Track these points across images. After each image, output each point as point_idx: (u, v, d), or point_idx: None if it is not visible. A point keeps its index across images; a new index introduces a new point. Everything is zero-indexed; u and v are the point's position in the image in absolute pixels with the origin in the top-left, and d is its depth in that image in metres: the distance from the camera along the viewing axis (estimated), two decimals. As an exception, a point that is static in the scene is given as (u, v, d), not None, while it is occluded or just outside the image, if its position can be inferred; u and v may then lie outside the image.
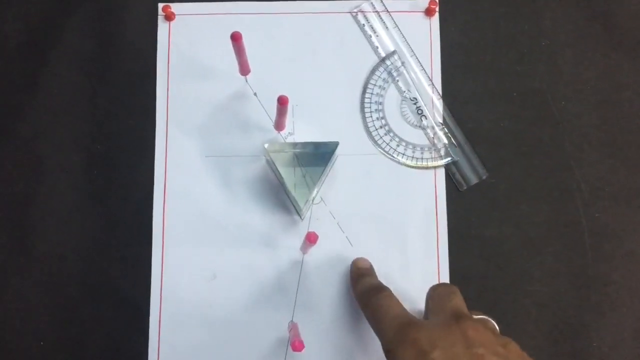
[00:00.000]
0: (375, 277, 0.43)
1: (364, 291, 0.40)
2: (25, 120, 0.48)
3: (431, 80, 0.49)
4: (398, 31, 0.49)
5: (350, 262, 0.46)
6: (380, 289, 0.39)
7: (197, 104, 0.48)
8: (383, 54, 0.49)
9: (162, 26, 0.49)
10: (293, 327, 0.43)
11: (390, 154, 0.48)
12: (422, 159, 0.48)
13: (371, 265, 0.44)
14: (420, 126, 0.48)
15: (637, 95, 0.49)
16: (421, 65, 0.49)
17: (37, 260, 0.46)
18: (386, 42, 0.49)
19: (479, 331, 0.33)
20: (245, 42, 0.40)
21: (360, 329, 0.45)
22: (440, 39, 0.49)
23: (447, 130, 0.48)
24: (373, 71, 0.49)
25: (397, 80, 0.49)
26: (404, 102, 0.49)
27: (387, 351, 0.34)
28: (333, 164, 0.47)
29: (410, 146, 0.48)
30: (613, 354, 0.45)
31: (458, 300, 0.36)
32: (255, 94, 0.48)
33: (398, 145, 0.48)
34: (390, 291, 0.39)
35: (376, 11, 0.50)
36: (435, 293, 0.37)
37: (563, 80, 0.49)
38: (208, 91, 0.48)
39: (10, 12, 0.50)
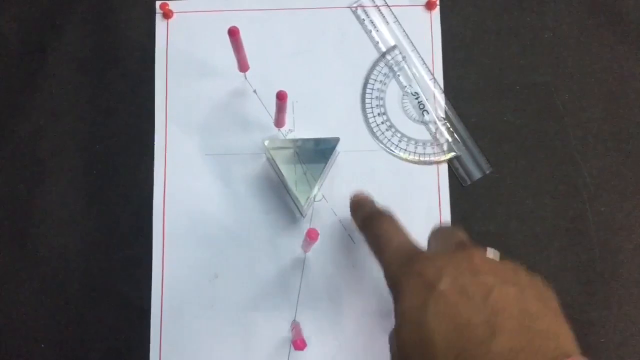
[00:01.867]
0: (376, 204, 0.41)
1: (365, 217, 0.39)
2: (24, 121, 0.48)
3: (433, 74, 0.48)
4: (398, 25, 0.49)
5: (353, 261, 0.45)
6: (382, 213, 0.38)
7: (196, 101, 0.48)
8: (383, 49, 0.49)
9: (160, 24, 0.49)
10: (295, 327, 0.43)
11: (392, 150, 0.47)
12: (424, 154, 0.47)
13: (368, 196, 0.42)
14: (422, 121, 0.48)
15: (642, 86, 0.48)
16: (422, 60, 0.48)
17: (37, 262, 0.46)
18: (386, 36, 0.49)
19: (486, 259, 0.31)
20: (244, 38, 0.40)
21: (363, 328, 0.45)
22: (441, 32, 0.49)
23: (449, 125, 0.48)
24: (374, 66, 0.48)
25: (398, 75, 0.48)
26: (405, 97, 0.48)
27: (390, 284, 0.33)
28: (334, 161, 0.46)
29: (412, 141, 0.47)
30: (622, 349, 0.45)
31: (462, 235, 0.34)
32: (254, 91, 0.48)
33: (400, 141, 0.47)
34: (393, 216, 0.38)
35: (376, 5, 0.49)
36: (439, 231, 0.36)
37: (567, 72, 0.48)
38: (207, 89, 0.48)
39: (9, 13, 0.49)
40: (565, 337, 0.27)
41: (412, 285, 0.30)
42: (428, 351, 0.27)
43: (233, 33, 0.37)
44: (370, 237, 0.37)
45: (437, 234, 0.36)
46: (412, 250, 0.33)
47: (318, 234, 0.37)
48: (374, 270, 0.45)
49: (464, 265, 0.30)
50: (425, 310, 0.28)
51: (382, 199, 0.46)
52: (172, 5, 0.49)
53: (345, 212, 0.46)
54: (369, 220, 0.38)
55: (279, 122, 0.46)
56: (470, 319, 0.27)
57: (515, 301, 0.28)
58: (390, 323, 0.44)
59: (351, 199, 0.43)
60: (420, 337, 0.28)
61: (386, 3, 0.49)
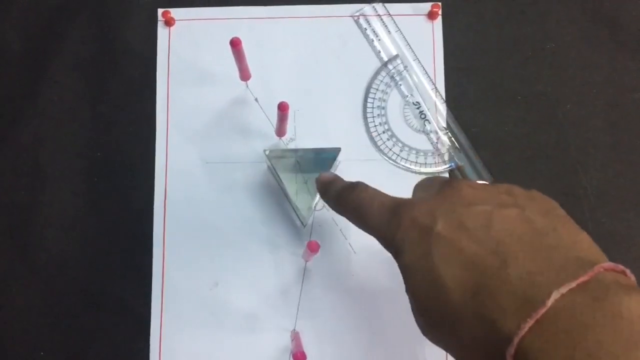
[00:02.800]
0: (343, 180, 0.38)
1: (337, 195, 0.36)
2: (25, 128, 0.48)
3: (434, 84, 0.48)
4: (400, 35, 0.49)
5: (354, 271, 0.45)
6: (354, 185, 0.35)
7: (198, 110, 0.48)
8: (385, 58, 0.49)
9: (162, 32, 0.49)
10: (295, 337, 0.43)
11: (393, 160, 0.47)
12: (425, 164, 0.47)
13: (336, 176, 0.40)
14: (423, 131, 0.48)
15: (644, 98, 0.48)
16: (424, 69, 0.48)
17: (37, 269, 0.46)
18: (388, 46, 0.49)
19: (475, 187, 0.28)
20: (246, 47, 0.40)
21: (363, 337, 0.45)
22: (443, 42, 0.49)
23: (450, 135, 0.48)
24: (375, 75, 0.48)
25: (400, 85, 0.48)
26: (406, 106, 0.48)
27: (386, 244, 0.30)
28: (335, 170, 0.46)
29: (414, 151, 0.47)
30: None
31: (445, 177, 0.32)
32: (256, 100, 0.48)
33: (401, 151, 0.47)
34: (365, 183, 0.35)
35: (378, 15, 0.49)
36: (420, 181, 0.34)
37: (568, 83, 0.48)
38: (208, 97, 0.48)
39: (11, 20, 0.49)
40: (582, 244, 0.25)
41: (408, 236, 0.28)
42: (443, 297, 0.25)
43: (235, 44, 0.37)
44: (349, 212, 0.35)
45: (419, 183, 0.34)
46: (396, 203, 0.31)
47: (319, 247, 0.37)
48: (374, 280, 0.45)
49: (454, 200, 0.28)
50: (429, 256, 0.26)
51: (383, 208, 0.46)
52: (173, 13, 0.49)
53: (346, 221, 0.46)
54: (342, 195, 0.36)
55: (280, 131, 0.46)
56: (477, 252, 0.25)
57: (519, 222, 0.26)
58: (392, 333, 0.45)
59: (317, 183, 0.40)
60: (431, 285, 0.26)
61: (388, 12, 0.49)
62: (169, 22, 0.48)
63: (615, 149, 0.48)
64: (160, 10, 0.49)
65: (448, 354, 0.27)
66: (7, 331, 0.45)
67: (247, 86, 0.48)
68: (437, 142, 0.47)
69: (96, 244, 0.46)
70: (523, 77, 0.49)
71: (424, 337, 0.28)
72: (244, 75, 0.45)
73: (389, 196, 0.33)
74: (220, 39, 0.48)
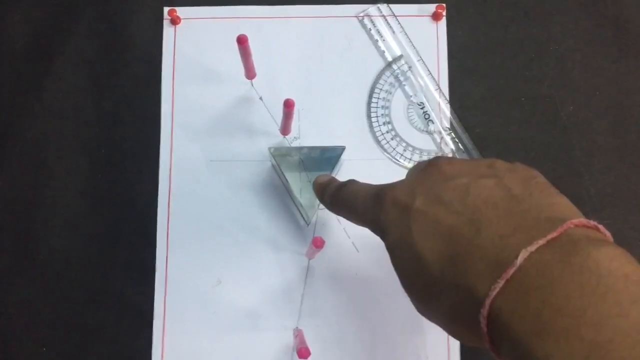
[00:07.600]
0: (338, 180, 0.39)
1: (332, 196, 0.37)
2: (30, 124, 0.48)
3: (438, 84, 0.48)
4: (405, 35, 0.49)
5: (357, 269, 0.45)
6: (345, 183, 0.36)
7: (203, 108, 0.48)
8: (390, 59, 0.49)
9: (168, 30, 0.49)
10: (298, 334, 0.43)
11: (396, 159, 0.47)
12: (429, 164, 0.47)
13: (332, 177, 0.41)
14: (427, 131, 0.48)
15: (647, 100, 0.49)
16: (428, 70, 0.48)
17: (41, 265, 0.46)
18: (393, 46, 0.49)
19: (456, 163, 0.29)
20: (251, 46, 0.40)
21: (366, 336, 0.45)
22: (447, 43, 0.49)
23: (454, 135, 0.48)
24: (379, 75, 0.49)
25: (404, 85, 0.48)
26: (410, 106, 0.48)
27: (373, 228, 0.31)
28: (339, 169, 0.47)
29: (417, 151, 0.47)
30: None
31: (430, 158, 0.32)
32: (261, 98, 0.48)
33: (405, 150, 0.47)
34: (353, 179, 0.36)
35: (383, 15, 0.49)
36: (412, 166, 0.34)
37: (572, 85, 0.49)
38: (213, 95, 0.48)
39: (17, 16, 0.50)
40: (559, 206, 0.25)
41: (390, 216, 0.29)
42: (424, 270, 0.26)
43: (242, 41, 0.37)
44: (343, 209, 0.36)
45: (409, 169, 0.34)
46: (379, 188, 0.31)
47: (324, 242, 0.37)
48: (377, 278, 0.45)
49: (434, 177, 0.28)
50: (409, 232, 0.27)
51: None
52: (179, 12, 0.49)
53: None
54: (335, 195, 0.36)
55: (284, 129, 0.46)
56: (452, 223, 0.26)
57: (496, 190, 0.26)
58: (395, 332, 0.45)
59: (314, 186, 0.41)
60: (412, 260, 0.27)
61: (393, 13, 0.49)
62: (175, 21, 0.49)
63: (619, 151, 0.48)
64: (166, 9, 0.49)
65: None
66: (10, 326, 0.45)
67: (252, 85, 0.48)
68: (440, 143, 0.48)
69: (100, 241, 0.46)
70: (527, 79, 0.49)
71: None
72: (250, 73, 0.45)
73: (375, 185, 0.33)
74: (226, 38, 0.48)
